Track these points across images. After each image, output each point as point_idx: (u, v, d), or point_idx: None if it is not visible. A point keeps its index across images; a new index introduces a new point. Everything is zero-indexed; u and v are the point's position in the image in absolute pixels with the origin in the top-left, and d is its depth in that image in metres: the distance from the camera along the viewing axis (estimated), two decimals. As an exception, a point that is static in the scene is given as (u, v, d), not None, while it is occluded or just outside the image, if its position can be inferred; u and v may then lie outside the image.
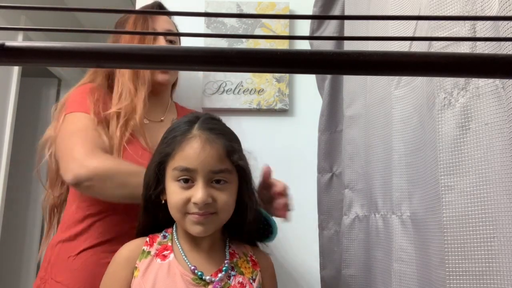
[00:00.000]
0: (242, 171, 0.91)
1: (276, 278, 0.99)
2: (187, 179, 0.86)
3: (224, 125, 0.95)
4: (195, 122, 0.90)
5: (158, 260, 0.88)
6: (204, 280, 0.86)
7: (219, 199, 0.86)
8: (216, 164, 0.86)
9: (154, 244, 0.91)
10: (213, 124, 0.91)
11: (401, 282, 0.85)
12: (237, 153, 0.90)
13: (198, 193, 0.84)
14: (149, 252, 0.90)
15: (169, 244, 0.91)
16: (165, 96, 1.37)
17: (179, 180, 0.86)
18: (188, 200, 0.85)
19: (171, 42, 1.27)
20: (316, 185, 1.38)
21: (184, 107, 1.45)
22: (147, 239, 0.93)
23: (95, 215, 1.14)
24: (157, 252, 0.90)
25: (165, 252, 0.90)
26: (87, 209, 1.15)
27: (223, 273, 0.88)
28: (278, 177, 1.54)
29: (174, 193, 0.87)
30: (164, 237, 0.93)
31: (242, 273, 0.90)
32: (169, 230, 0.95)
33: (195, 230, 0.87)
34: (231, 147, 0.89)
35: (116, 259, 0.91)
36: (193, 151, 0.86)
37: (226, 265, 0.90)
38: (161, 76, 1.29)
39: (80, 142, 1.06)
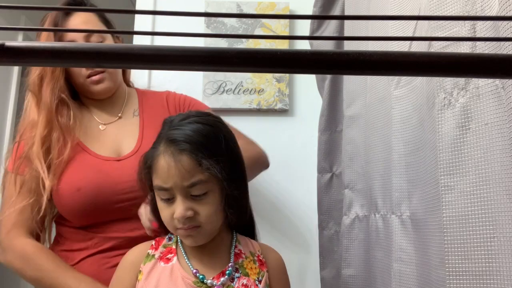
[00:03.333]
0: (217, 178, 0.86)
1: (287, 276, 0.96)
2: (168, 198, 0.85)
3: (195, 125, 0.88)
4: (167, 132, 0.88)
5: (162, 263, 0.89)
6: (206, 284, 0.86)
7: (201, 212, 0.85)
8: (187, 178, 0.83)
9: (159, 247, 0.92)
10: (179, 132, 0.87)
11: (400, 282, 0.85)
12: (205, 161, 0.84)
13: (177, 209, 0.84)
14: (153, 256, 0.90)
15: (173, 247, 0.92)
16: (116, 94, 1.27)
17: (162, 199, 0.86)
18: (172, 216, 0.85)
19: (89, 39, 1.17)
20: (316, 185, 1.38)
21: (147, 90, 1.39)
22: (153, 242, 0.93)
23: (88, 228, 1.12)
24: (161, 255, 0.90)
25: (169, 255, 0.90)
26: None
27: (226, 277, 0.87)
28: (278, 177, 1.55)
29: (161, 210, 0.88)
30: (170, 239, 0.94)
31: (247, 275, 0.89)
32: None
33: (187, 242, 0.88)
34: (197, 156, 0.84)
35: (122, 264, 0.92)
36: (163, 169, 0.85)
37: (229, 268, 0.89)
38: (96, 87, 1.20)
39: (4, 220, 1.08)
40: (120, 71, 1.28)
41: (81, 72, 1.16)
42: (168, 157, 0.84)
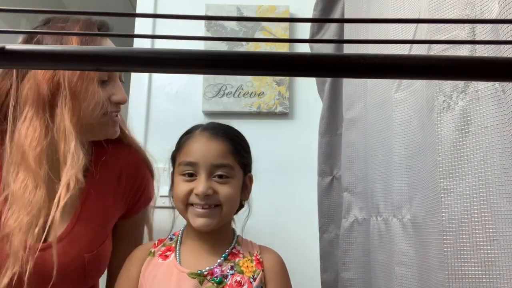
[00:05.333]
0: (243, 169, 0.96)
1: (288, 277, 0.97)
2: (191, 173, 0.90)
3: (231, 128, 0.99)
4: (202, 124, 0.97)
5: (160, 260, 0.92)
6: (200, 275, 0.88)
7: (221, 192, 0.90)
8: (217, 158, 0.90)
9: (160, 245, 0.96)
10: (218, 125, 0.96)
11: (402, 285, 0.85)
12: (240, 153, 0.94)
13: (199, 185, 0.88)
14: (154, 253, 0.94)
15: (173, 245, 0.95)
16: None
17: (183, 174, 0.91)
18: (190, 192, 0.89)
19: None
20: (316, 188, 1.38)
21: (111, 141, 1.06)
22: (156, 242, 0.98)
23: None
24: (161, 252, 0.94)
25: (168, 253, 0.94)
26: None
27: (218, 263, 0.90)
28: (279, 180, 1.55)
29: (179, 186, 0.91)
30: (171, 239, 0.98)
31: (241, 272, 0.91)
32: (177, 232, 0.98)
33: (197, 222, 0.90)
34: (233, 145, 0.93)
35: (129, 259, 0.96)
36: (196, 146, 0.91)
37: (222, 258, 0.92)
38: (113, 130, 1.00)
39: None
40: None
41: None
42: (205, 137, 0.92)
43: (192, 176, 0.90)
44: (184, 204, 0.91)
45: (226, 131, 0.95)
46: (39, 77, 0.89)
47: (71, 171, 0.86)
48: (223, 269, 0.90)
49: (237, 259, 0.93)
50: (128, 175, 1.07)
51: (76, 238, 0.95)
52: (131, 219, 1.12)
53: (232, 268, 0.91)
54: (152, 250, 0.95)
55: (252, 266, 0.93)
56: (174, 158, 0.97)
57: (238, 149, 0.95)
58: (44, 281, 0.87)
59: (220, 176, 0.90)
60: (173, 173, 0.97)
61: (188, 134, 0.95)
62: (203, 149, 0.91)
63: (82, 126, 0.91)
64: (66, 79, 0.89)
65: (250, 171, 1.00)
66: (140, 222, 1.15)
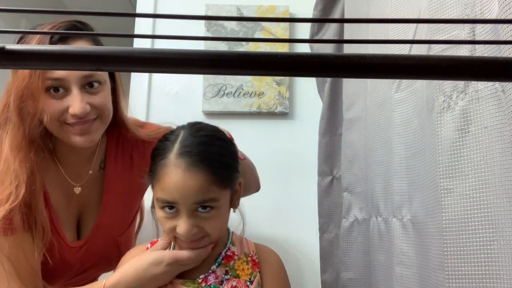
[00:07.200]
0: (230, 192, 0.86)
1: (285, 274, 0.95)
2: (172, 206, 0.81)
3: (209, 137, 0.85)
4: (175, 141, 0.82)
5: None
6: (195, 283, 0.86)
7: (207, 226, 0.82)
8: (199, 195, 0.79)
9: (151, 248, 0.93)
10: (195, 144, 0.81)
11: (402, 285, 0.85)
12: (224, 176, 0.82)
13: (181, 226, 0.80)
14: None
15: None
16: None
17: (163, 208, 0.82)
18: (175, 228, 0.82)
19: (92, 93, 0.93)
20: (316, 188, 1.38)
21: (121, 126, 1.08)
22: (149, 245, 0.94)
23: None
24: None
25: None
26: None
27: (212, 270, 0.88)
28: (279, 180, 1.55)
29: (162, 220, 0.84)
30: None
31: (237, 276, 0.88)
32: None
33: (187, 254, 0.86)
34: (216, 173, 0.80)
35: (123, 262, 0.93)
36: (172, 183, 0.79)
37: (215, 264, 0.89)
38: (78, 139, 0.93)
39: None
40: (111, 111, 0.99)
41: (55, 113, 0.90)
42: (181, 171, 0.78)
43: (172, 208, 0.81)
44: (173, 238, 0.86)
45: (205, 155, 0.80)
46: None
47: (9, 188, 0.86)
48: (217, 274, 0.87)
49: (231, 262, 0.90)
50: (138, 155, 1.11)
51: (107, 227, 1.06)
52: None
53: (227, 272, 0.88)
54: None
55: (248, 269, 0.90)
56: (150, 177, 0.85)
57: (222, 173, 0.82)
58: (87, 267, 1.03)
59: (204, 207, 0.81)
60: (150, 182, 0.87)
61: (162, 159, 0.81)
62: (181, 186, 0.78)
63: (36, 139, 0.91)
64: (11, 100, 0.87)
65: (238, 178, 0.88)
66: None
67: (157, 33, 1.65)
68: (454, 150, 0.68)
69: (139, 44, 1.62)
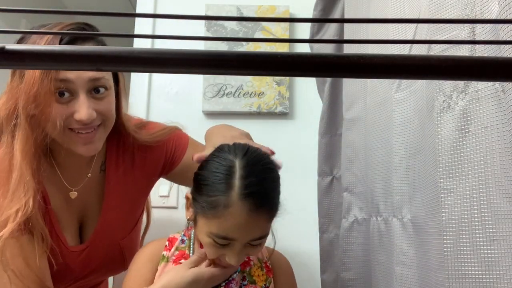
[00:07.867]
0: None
1: (295, 282, 0.98)
2: (226, 243, 0.81)
3: (267, 171, 0.83)
4: (233, 176, 0.78)
5: (173, 266, 0.91)
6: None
7: (253, 254, 0.87)
8: (258, 233, 0.81)
9: (172, 248, 0.93)
10: (257, 183, 0.79)
11: (402, 285, 0.85)
12: (274, 215, 0.84)
13: (232, 259, 0.81)
14: (167, 258, 0.92)
15: (187, 251, 0.93)
16: None
17: (215, 241, 0.81)
18: (223, 256, 0.83)
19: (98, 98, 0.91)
20: (316, 188, 1.38)
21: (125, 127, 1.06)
22: (167, 243, 0.94)
23: None
24: (175, 258, 0.92)
25: (182, 260, 0.92)
26: None
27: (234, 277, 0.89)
28: (278, 180, 1.55)
29: (207, 245, 0.83)
30: (183, 241, 0.95)
31: (254, 282, 0.90)
32: (187, 232, 0.95)
33: (224, 272, 0.88)
34: (274, 210, 0.83)
35: (138, 257, 0.94)
36: (236, 224, 0.78)
37: (235, 274, 0.90)
38: (82, 148, 0.92)
39: None
40: (115, 117, 0.97)
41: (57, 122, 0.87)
42: (246, 214, 0.77)
43: (225, 245, 0.81)
44: (212, 260, 0.86)
45: (267, 194, 0.81)
46: None
47: (23, 200, 0.85)
48: (237, 280, 0.90)
49: (248, 268, 0.92)
50: (140, 157, 1.08)
51: (108, 231, 1.05)
52: (177, 167, 1.13)
53: (244, 278, 0.90)
54: (165, 254, 0.92)
55: (263, 274, 0.92)
56: (199, 207, 0.82)
57: (277, 208, 0.84)
58: (88, 272, 1.02)
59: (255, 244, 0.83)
60: (193, 206, 0.85)
61: (221, 195, 0.77)
62: (244, 227, 0.78)
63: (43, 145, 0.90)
64: (21, 106, 0.85)
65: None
66: (189, 161, 1.04)
67: (157, 33, 1.65)
68: (454, 150, 0.68)
69: (139, 44, 1.62)
